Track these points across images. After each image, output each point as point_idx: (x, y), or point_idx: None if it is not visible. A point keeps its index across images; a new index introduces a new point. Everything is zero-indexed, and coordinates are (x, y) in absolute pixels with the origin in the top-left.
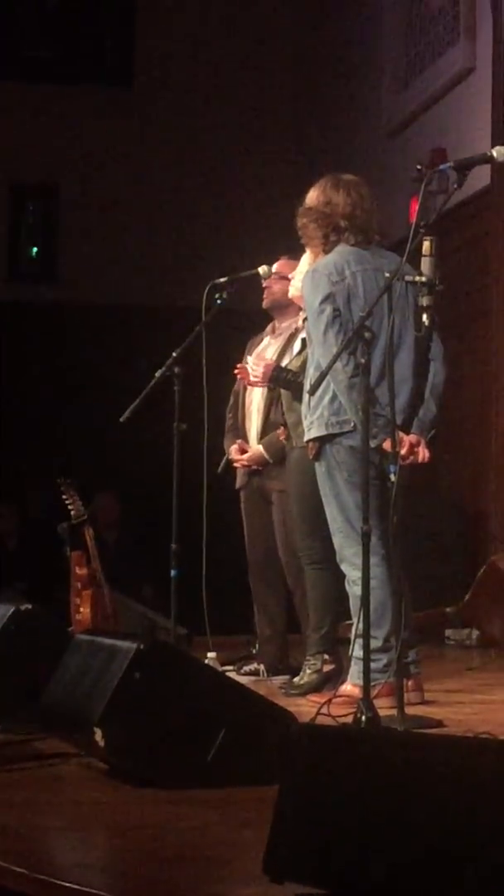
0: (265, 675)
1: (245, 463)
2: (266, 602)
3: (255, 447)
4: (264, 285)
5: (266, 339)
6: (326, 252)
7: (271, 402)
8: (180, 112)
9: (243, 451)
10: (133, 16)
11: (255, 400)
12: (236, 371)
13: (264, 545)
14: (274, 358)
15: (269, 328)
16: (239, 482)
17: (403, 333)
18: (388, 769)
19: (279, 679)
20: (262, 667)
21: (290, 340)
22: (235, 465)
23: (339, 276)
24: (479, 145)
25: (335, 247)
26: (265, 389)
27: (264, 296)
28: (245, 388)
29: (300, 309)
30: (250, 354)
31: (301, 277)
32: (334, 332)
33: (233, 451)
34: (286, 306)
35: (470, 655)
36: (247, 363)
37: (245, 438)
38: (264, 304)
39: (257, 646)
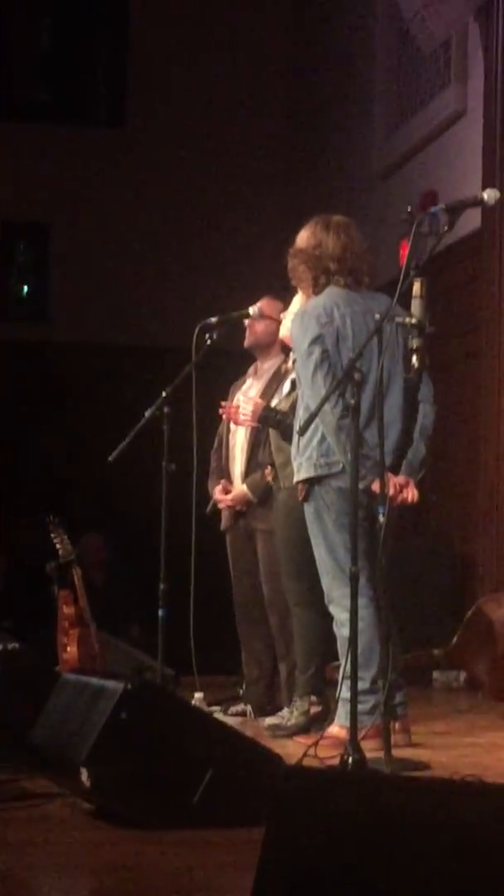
0: (252, 716)
1: (229, 503)
2: (253, 643)
3: (239, 487)
4: (246, 324)
5: (249, 381)
6: (316, 294)
7: (255, 443)
8: (172, 153)
9: (227, 492)
10: (126, 57)
11: (239, 441)
12: (221, 411)
13: (250, 586)
14: (258, 398)
15: (251, 369)
16: (224, 524)
17: (393, 375)
18: (374, 811)
19: (266, 720)
20: (249, 708)
21: (273, 380)
22: (220, 505)
23: (327, 317)
24: (469, 188)
25: (325, 289)
26: (249, 430)
27: (246, 335)
28: (229, 430)
29: (284, 348)
30: (232, 398)
31: (291, 318)
32: (323, 373)
33: (217, 491)
34: (268, 346)
35: (457, 698)
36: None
37: (229, 479)
38: (246, 343)
39: (244, 687)
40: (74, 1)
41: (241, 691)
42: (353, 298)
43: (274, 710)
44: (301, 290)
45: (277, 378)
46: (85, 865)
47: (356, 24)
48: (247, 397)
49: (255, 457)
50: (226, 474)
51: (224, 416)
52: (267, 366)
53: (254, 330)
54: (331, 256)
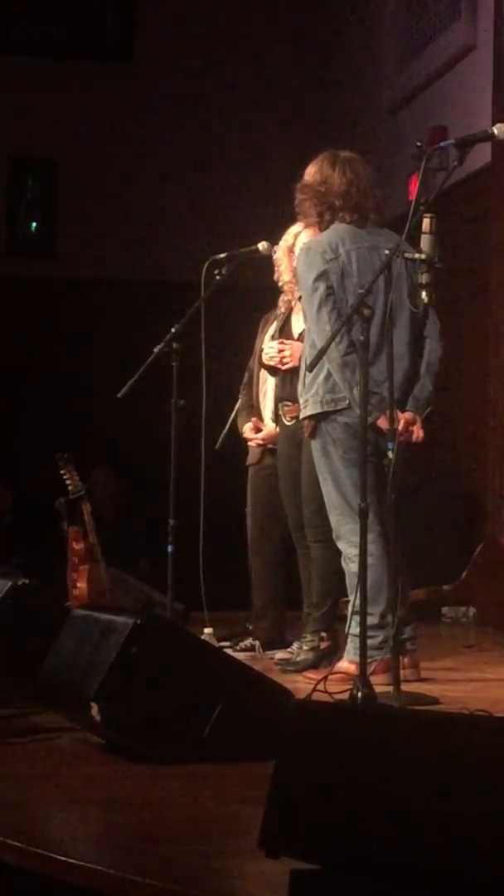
0: (261, 651)
1: (261, 441)
2: (263, 578)
3: (270, 425)
4: (274, 260)
5: (277, 320)
6: (321, 230)
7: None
8: (180, 87)
9: (257, 430)
10: None
11: (271, 378)
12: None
13: (266, 523)
14: (276, 334)
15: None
16: (251, 458)
17: (399, 311)
18: (383, 746)
19: (276, 655)
20: (257, 643)
21: (289, 317)
22: (250, 443)
23: (332, 253)
24: (479, 123)
25: (330, 225)
26: None
27: (275, 270)
28: (259, 366)
29: None
30: (264, 332)
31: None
32: (328, 309)
33: (247, 429)
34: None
35: (466, 633)
36: (263, 342)
37: (259, 417)
38: (276, 277)
39: (253, 622)
40: None
41: (250, 626)
42: (359, 235)
43: (282, 646)
44: (307, 225)
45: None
46: (95, 799)
47: None
48: (269, 340)
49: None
50: (256, 411)
51: (260, 354)
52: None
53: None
54: (336, 193)
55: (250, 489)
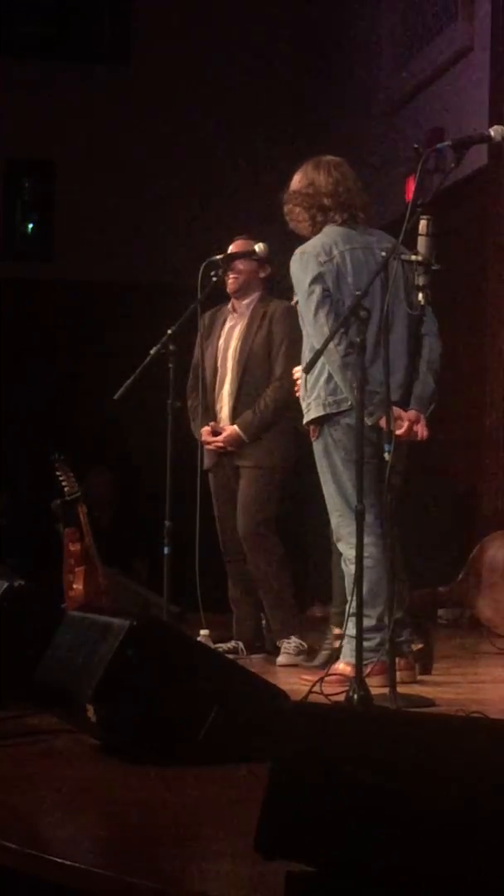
0: (244, 652)
1: (220, 444)
2: (241, 581)
3: (231, 427)
4: (231, 266)
5: (231, 321)
6: (314, 234)
7: (242, 383)
8: (178, 90)
9: (215, 433)
10: None
11: (227, 382)
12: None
13: (235, 524)
14: (240, 338)
15: (230, 307)
16: (208, 463)
17: (396, 311)
18: (379, 748)
19: (257, 657)
20: (240, 644)
21: (252, 320)
22: (208, 447)
23: (327, 256)
24: (476, 125)
25: (323, 227)
26: (237, 370)
27: (232, 276)
28: (216, 370)
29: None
30: (215, 332)
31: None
32: (325, 312)
33: (204, 433)
34: (249, 285)
35: (462, 635)
36: (213, 337)
37: (216, 419)
38: (234, 285)
39: (235, 623)
40: None
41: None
42: (351, 236)
43: (263, 647)
44: (299, 232)
45: (258, 315)
46: (91, 801)
47: None
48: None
49: (243, 397)
50: (212, 414)
51: (203, 350)
52: (246, 302)
53: (240, 270)
54: (324, 193)
55: (215, 494)
